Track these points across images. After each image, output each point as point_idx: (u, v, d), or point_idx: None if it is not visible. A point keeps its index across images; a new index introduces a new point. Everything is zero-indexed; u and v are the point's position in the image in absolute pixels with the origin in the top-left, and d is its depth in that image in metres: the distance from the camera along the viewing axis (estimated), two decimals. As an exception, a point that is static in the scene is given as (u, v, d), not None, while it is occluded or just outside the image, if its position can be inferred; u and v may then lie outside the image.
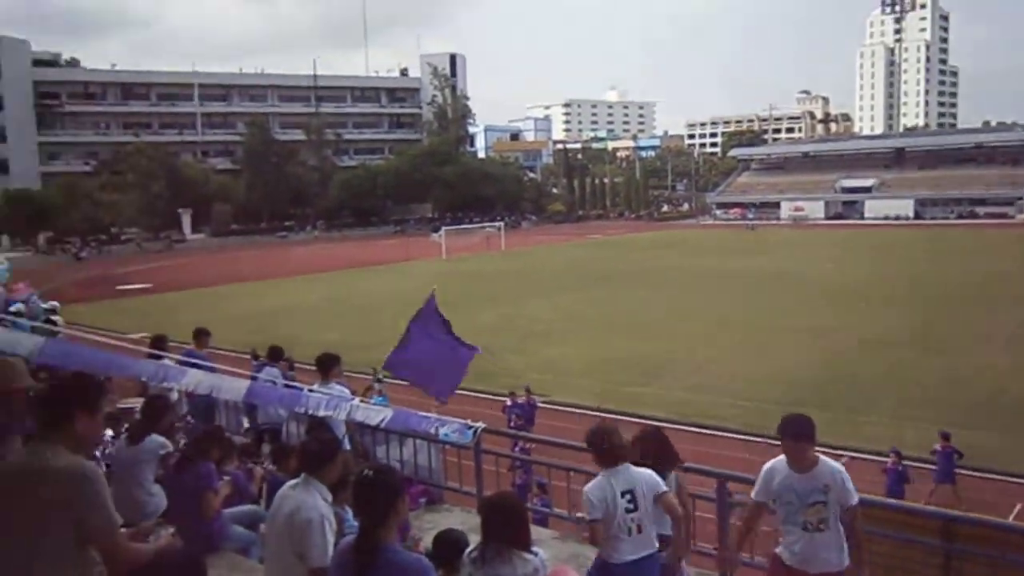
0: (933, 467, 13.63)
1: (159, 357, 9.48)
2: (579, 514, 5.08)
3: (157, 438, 6.57)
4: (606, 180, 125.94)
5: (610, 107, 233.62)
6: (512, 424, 15.98)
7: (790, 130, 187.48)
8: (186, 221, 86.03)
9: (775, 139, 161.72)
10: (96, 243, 76.47)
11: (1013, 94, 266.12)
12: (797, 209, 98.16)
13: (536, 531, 6.40)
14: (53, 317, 15.03)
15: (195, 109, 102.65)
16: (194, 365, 9.32)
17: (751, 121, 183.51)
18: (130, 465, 6.35)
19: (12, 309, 14.15)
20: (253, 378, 9.52)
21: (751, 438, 16.39)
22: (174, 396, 9.27)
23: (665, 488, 5.08)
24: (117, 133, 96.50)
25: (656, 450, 5.51)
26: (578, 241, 75.07)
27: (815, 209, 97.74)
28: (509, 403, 17.07)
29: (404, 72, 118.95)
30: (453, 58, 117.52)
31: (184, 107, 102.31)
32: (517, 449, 11.72)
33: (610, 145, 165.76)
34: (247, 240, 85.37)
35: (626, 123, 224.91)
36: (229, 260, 64.72)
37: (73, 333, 10.88)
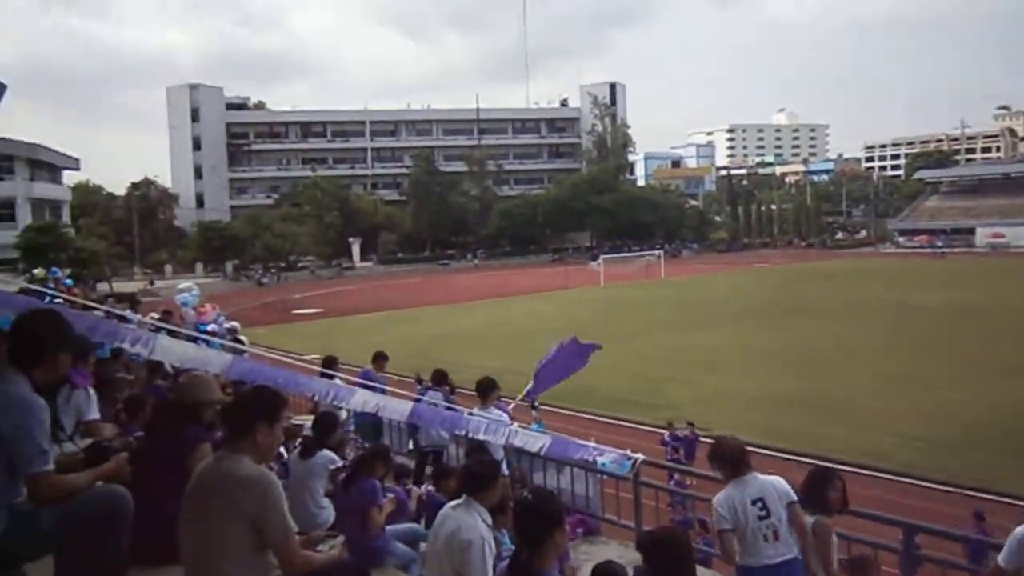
0: None
1: (330, 377, 9.99)
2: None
3: (327, 453, 6.86)
4: (773, 207, 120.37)
5: (778, 131, 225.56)
6: (670, 457, 15.66)
7: (986, 150, 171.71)
8: (356, 250, 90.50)
9: (968, 160, 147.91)
10: (276, 270, 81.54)
11: None
12: (996, 236, 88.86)
13: (701, 571, 6.20)
14: (239, 337, 16.10)
15: (366, 144, 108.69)
16: (367, 386, 9.78)
17: (939, 141, 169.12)
18: (302, 478, 6.65)
19: (208, 329, 15.32)
20: (417, 400, 9.85)
21: (935, 486, 15.19)
22: (343, 414, 9.71)
23: (795, 497, 4.94)
24: (296, 168, 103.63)
25: (809, 489, 5.28)
26: (742, 270, 72.70)
27: (1017, 235, 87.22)
28: (667, 436, 16.75)
29: (564, 103, 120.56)
30: (613, 87, 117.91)
31: (356, 143, 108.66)
32: (673, 483, 11.41)
33: (778, 170, 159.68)
34: (411, 268, 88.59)
35: (796, 147, 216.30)
36: (394, 287, 67.27)
37: (256, 352, 11.65)
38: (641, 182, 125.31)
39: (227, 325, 16.99)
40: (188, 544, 3.47)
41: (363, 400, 8.71)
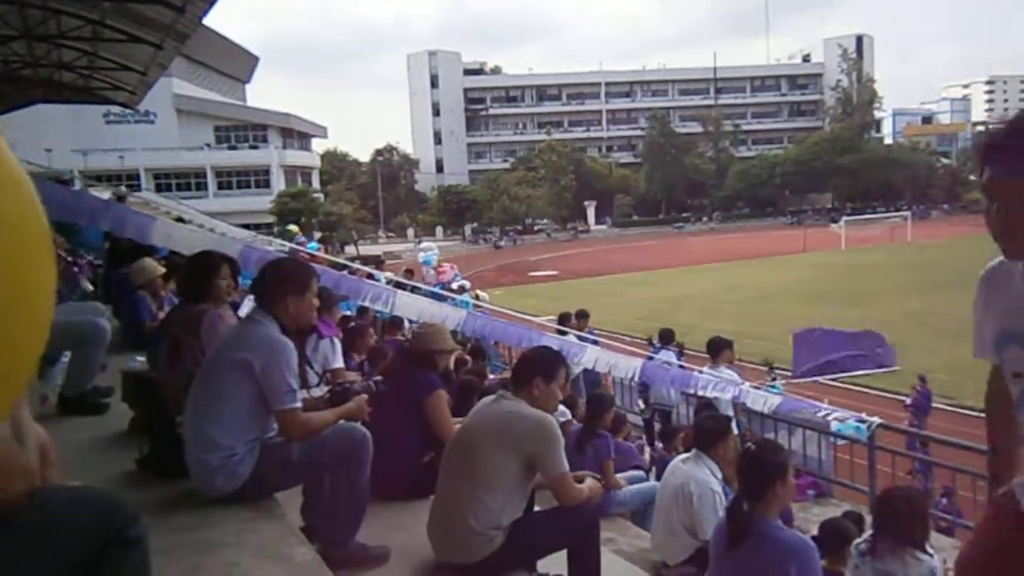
0: None
1: (564, 333, 10.21)
2: None
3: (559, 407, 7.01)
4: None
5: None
6: (910, 423, 14.67)
7: None
8: (590, 212, 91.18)
9: None
10: (512, 233, 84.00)
11: None
12: None
13: (938, 538, 5.86)
14: (480, 293, 16.84)
15: (601, 107, 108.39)
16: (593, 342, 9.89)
17: None
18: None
19: (455, 286, 16.20)
20: (649, 359, 9.84)
21: None
22: (575, 371, 9.92)
23: None
24: (532, 132, 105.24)
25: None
26: (1003, 232, 65.47)
27: None
28: (909, 401, 15.74)
29: (806, 58, 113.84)
30: (860, 39, 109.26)
31: (591, 105, 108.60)
32: (917, 450, 10.56)
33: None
34: (645, 231, 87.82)
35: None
36: (628, 249, 67.14)
37: (493, 309, 12.13)
38: (888, 140, 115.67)
39: (458, 283, 17.72)
40: (451, 472, 3.74)
41: (594, 358, 8.85)
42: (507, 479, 3.56)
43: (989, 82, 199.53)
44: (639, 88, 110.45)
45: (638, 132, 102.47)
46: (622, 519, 6.14)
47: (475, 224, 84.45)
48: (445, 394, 4.91)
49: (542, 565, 3.83)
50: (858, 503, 7.35)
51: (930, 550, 3.85)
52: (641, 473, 6.88)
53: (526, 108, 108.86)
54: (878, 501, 4.06)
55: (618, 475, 6.43)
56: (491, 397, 3.91)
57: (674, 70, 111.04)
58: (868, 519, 5.12)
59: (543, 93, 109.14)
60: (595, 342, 10.13)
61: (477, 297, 15.61)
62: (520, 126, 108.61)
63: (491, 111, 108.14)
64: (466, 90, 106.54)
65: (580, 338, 9.27)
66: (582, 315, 12.45)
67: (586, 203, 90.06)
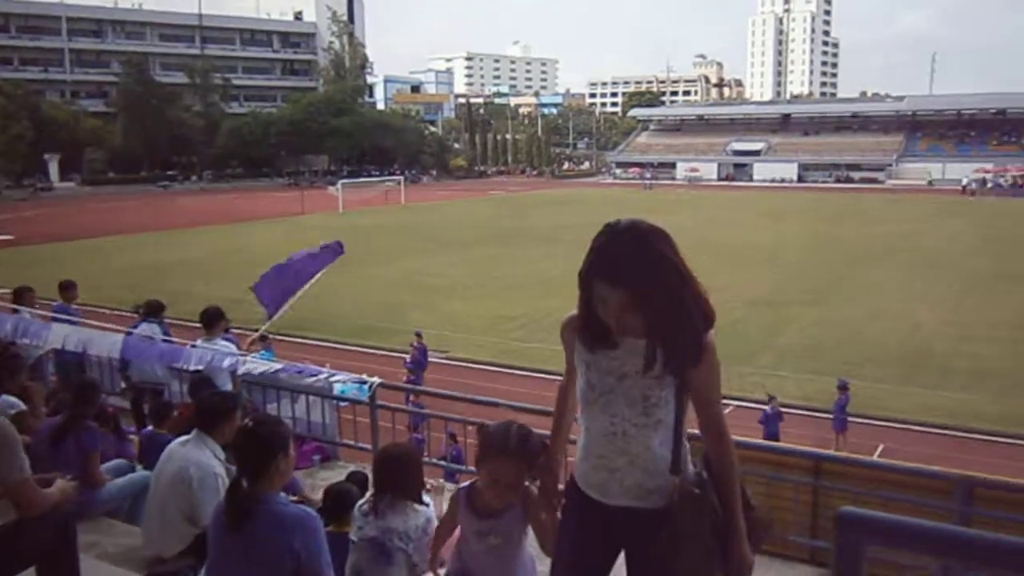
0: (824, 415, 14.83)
1: (17, 311, 8.78)
2: None
3: (7, 398, 5.96)
4: (508, 136, 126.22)
5: (513, 62, 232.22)
6: (408, 379, 15.74)
7: (687, 93, 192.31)
8: (53, 167, 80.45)
9: (672, 101, 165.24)
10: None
11: (886, 67, 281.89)
12: (692, 170, 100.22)
13: (445, 483, 6.24)
14: None
15: (62, 45, 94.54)
16: (64, 320, 8.69)
17: (650, 82, 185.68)
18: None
19: None
20: (129, 333, 8.90)
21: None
22: (37, 353, 8.63)
23: None
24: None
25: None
26: (480, 197, 75.05)
27: (709, 170, 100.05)
28: (408, 358, 16.94)
29: (298, 16, 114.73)
30: (351, 3, 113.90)
31: (49, 42, 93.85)
32: (411, 404, 11.32)
33: (512, 101, 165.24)
34: (124, 189, 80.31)
35: (528, 79, 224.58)
36: (105, 210, 61.19)
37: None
38: (381, 106, 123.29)
39: None
40: None
41: (63, 336, 7.76)
42: None
43: (468, 58, 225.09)
44: (110, 27, 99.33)
45: (111, 78, 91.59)
46: (108, 519, 5.42)
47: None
48: None
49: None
50: (363, 463, 7.55)
51: (427, 499, 4.04)
52: (126, 462, 6.15)
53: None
54: (375, 462, 4.14)
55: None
56: None
57: (152, 12, 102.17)
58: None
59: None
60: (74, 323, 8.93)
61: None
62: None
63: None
64: None
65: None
66: (68, 286, 10.91)
67: (47, 156, 79.01)
